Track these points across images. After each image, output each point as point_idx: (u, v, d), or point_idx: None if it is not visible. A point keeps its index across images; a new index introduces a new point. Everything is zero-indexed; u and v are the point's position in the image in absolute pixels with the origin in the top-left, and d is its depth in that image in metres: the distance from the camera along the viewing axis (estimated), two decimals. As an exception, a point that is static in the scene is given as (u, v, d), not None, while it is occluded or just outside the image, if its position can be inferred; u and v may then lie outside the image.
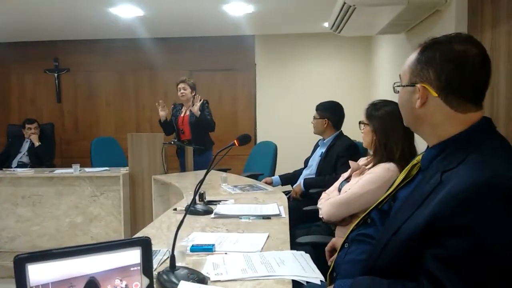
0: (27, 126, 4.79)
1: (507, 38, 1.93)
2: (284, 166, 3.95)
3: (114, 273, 0.89)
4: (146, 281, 0.92)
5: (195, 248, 1.50)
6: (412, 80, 1.06)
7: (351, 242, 1.40)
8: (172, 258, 1.23)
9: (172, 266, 1.23)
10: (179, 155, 4.20)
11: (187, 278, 1.18)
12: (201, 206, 2.13)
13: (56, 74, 6.07)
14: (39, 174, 3.95)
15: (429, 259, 0.90)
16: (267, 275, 1.25)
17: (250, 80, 5.96)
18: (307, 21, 5.07)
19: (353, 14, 2.79)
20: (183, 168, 4.06)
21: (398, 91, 1.13)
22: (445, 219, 0.88)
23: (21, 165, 4.67)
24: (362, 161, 2.09)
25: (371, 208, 1.33)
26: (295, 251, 1.46)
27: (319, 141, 3.33)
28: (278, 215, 2.01)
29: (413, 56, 1.06)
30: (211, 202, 2.27)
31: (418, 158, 1.16)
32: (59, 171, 4.04)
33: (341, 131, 3.21)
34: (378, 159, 1.87)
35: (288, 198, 2.67)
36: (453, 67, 0.98)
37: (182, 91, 4.08)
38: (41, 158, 4.71)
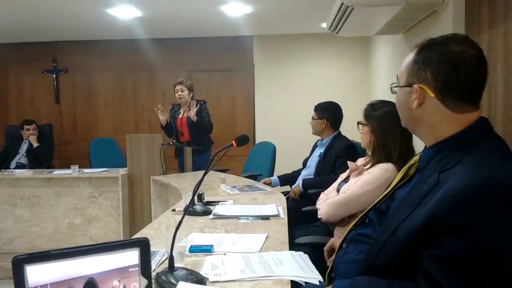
0: (25, 127, 4.78)
1: (504, 38, 1.94)
2: (282, 167, 3.96)
3: (112, 274, 0.89)
4: (144, 282, 0.92)
5: (194, 249, 1.50)
6: (409, 80, 1.06)
7: (349, 242, 1.41)
8: (171, 258, 1.24)
9: (171, 267, 1.23)
10: (178, 155, 4.20)
11: (186, 279, 1.19)
12: (199, 207, 2.13)
13: (54, 75, 6.07)
14: (38, 175, 3.94)
15: (427, 259, 0.91)
16: (265, 275, 1.26)
17: (248, 80, 5.96)
18: (305, 22, 5.08)
19: (351, 15, 2.79)
20: (181, 169, 4.06)
21: (396, 92, 1.13)
22: (442, 219, 0.88)
23: (20, 166, 4.66)
24: (360, 161, 2.10)
25: (368, 208, 1.34)
26: (293, 252, 1.47)
27: (317, 141, 3.33)
28: (277, 216, 2.01)
29: (410, 57, 1.07)
30: (209, 203, 2.27)
31: (416, 158, 1.17)
32: (57, 172, 4.04)
33: (340, 131, 3.22)
34: (377, 159, 1.88)
35: (287, 199, 2.67)
36: (450, 68, 0.99)
37: (179, 92, 4.08)
38: (40, 159, 4.71)
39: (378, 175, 1.82)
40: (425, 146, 1.11)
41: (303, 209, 2.63)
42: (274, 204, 2.22)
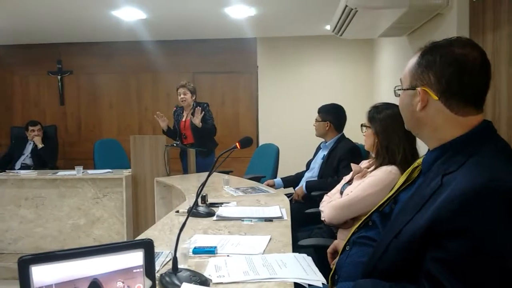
0: (30, 128, 4.80)
1: (508, 41, 1.94)
2: (286, 169, 3.96)
3: (117, 275, 0.89)
4: (148, 283, 0.92)
5: (197, 250, 1.50)
6: (412, 83, 1.06)
7: (353, 245, 1.41)
8: (175, 260, 1.24)
9: (175, 268, 1.23)
10: (182, 157, 4.21)
11: (190, 280, 1.19)
12: (203, 208, 2.13)
13: (59, 77, 6.10)
14: (42, 176, 3.96)
15: (430, 261, 0.91)
16: (269, 277, 1.26)
17: (252, 82, 5.97)
18: (309, 24, 5.08)
19: (355, 17, 2.80)
20: (185, 171, 4.07)
21: (399, 95, 1.13)
22: (445, 221, 0.88)
23: (24, 167, 4.69)
24: (364, 163, 2.10)
25: (372, 210, 1.34)
26: (297, 254, 1.47)
27: (321, 143, 3.33)
28: (280, 218, 2.01)
29: (413, 60, 1.07)
30: (213, 204, 2.28)
31: (419, 161, 1.17)
32: (62, 173, 4.06)
33: (343, 133, 3.22)
34: (380, 162, 1.88)
35: (290, 201, 2.67)
36: (453, 71, 0.99)
37: (182, 96, 4.09)
38: (44, 160, 4.73)
39: (382, 177, 1.82)
40: (429, 149, 1.11)
41: (307, 211, 2.62)
42: (278, 206, 2.23)
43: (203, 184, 1.42)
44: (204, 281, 1.22)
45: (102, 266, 0.88)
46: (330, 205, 1.97)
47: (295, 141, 5.36)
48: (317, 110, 3.27)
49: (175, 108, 4.33)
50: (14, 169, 4.54)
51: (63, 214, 3.92)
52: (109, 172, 4.09)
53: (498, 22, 2.02)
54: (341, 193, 2.05)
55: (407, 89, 1.08)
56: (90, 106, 6.14)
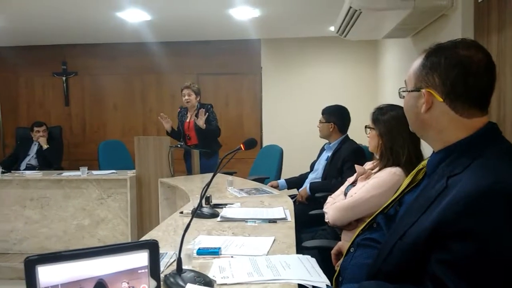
0: (35, 129, 4.83)
1: (513, 42, 1.93)
2: (290, 170, 3.96)
3: (122, 276, 0.90)
4: (153, 283, 0.93)
5: (202, 251, 1.50)
6: (417, 85, 1.06)
7: (357, 247, 1.41)
8: (179, 261, 1.25)
9: (179, 269, 1.24)
10: (186, 158, 4.22)
11: (194, 281, 1.19)
12: (207, 209, 2.14)
13: (64, 78, 6.13)
14: (47, 177, 3.99)
15: (434, 263, 0.91)
16: (273, 278, 1.26)
17: (256, 83, 5.98)
18: (313, 25, 5.08)
19: (359, 18, 2.79)
20: (189, 171, 4.08)
21: (404, 96, 1.13)
22: (449, 223, 0.88)
23: (30, 167, 4.71)
24: (368, 165, 2.10)
25: (376, 212, 1.34)
26: (301, 255, 1.47)
27: (325, 145, 3.33)
28: (284, 219, 2.01)
29: (418, 62, 1.07)
30: (217, 206, 2.28)
31: (424, 163, 1.17)
32: (67, 174, 4.08)
33: (347, 135, 3.21)
34: (384, 163, 1.88)
35: (294, 202, 2.67)
36: (458, 72, 0.99)
37: (186, 97, 4.10)
38: (49, 161, 4.75)
39: (386, 179, 1.82)
40: (433, 151, 1.11)
41: (310, 212, 2.62)
42: (281, 207, 2.23)
43: (208, 185, 1.42)
44: (208, 282, 1.22)
45: (107, 266, 0.88)
46: (334, 206, 1.97)
47: (299, 142, 5.36)
48: (321, 111, 3.27)
49: (179, 109, 4.34)
50: (19, 170, 4.57)
51: (67, 215, 3.94)
52: (114, 173, 4.10)
53: (503, 23, 2.01)
54: (345, 194, 2.05)
55: (412, 90, 1.08)
56: (94, 107, 6.17)
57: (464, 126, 1.01)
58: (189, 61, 5.95)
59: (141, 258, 0.92)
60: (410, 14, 2.60)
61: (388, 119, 1.88)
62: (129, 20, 4.64)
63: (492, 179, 0.88)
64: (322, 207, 2.20)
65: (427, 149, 1.38)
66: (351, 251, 1.42)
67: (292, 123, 5.78)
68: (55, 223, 3.95)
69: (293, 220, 2.01)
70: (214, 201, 2.33)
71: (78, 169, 4.04)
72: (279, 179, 3.73)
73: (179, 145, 3.97)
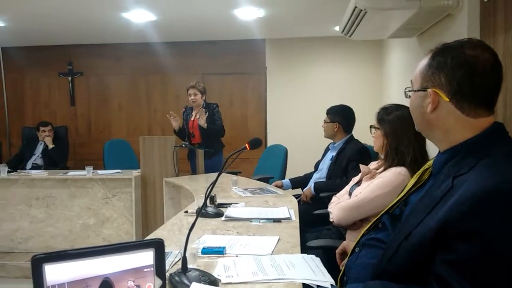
0: (41, 128, 4.86)
1: (520, 42, 1.92)
2: (294, 170, 3.96)
3: (128, 274, 0.90)
4: (159, 282, 0.93)
5: (206, 251, 1.51)
6: (423, 85, 1.06)
7: (362, 247, 1.40)
8: (184, 260, 1.25)
9: (184, 268, 1.24)
10: (190, 158, 4.23)
11: (199, 280, 1.20)
12: (212, 209, 2.14)
13: (69, 78, 6.17)
14: (53, 176, 4.01)
15: (440, 263, 0.90)
16: (277, 278, 1.26)
17: (260, 83, 5.98)
18: (318, 25, 5.08)
19: (364, 18, 2.79)
20: (194, 171, 4.09)
21: (410, 96, 1.13)
22: (455, 224, 0.88)
23: (35, 167, 4.74)
24: (373, 165, 2.09)
25: (382, 212, 1.33)
26: (305, 255, 1.46)
27: (329, 144, 3.33)
28: (289, 219, 2.01)
29: (424, 61, 1.07)
30: (221, 205, 2.29)
31: (430, 163, 1.17)
32: (72, 173, 4.10)
33: (352, 135, 3.21)
34: (389, 163, 1.87)
35: (298, 202, 2.67)
36: (464, 72, 0.99)
37: (192, 97, 4.12)
38: (55, 160, 4.78)
39: (391, 179, 1.82)
40: (439, 151, 1.10)
41: (315, 212, 2.62)
42: (286, 207, 2.23)
43: (213, 184, 1.42)
44: (213, 281, 1.22)
45: (113, 265, 0.89)
46: (339, 206, 1.97)
47: (304, 142, 5.36)
48: (326, 111, 3.27)
49: (184, 109, 4.35)
50: (25, 169, 4.60)
51: (73, 214, 3.96)
52: (119, 172, 4.12)
53: (510, 23, 2.00)
54: (350, 194, 2.04)
55: (418, 90, 1.08)
56: (100, 107, 6.20)
57: (470, 126, 1.01)
58: (194, 61, 5.96)
59: (146, 257, 0.92)
60: (416, 14, 2.59)
61: (393, 119, 1.87)
62: (134, 20, 4.66)
63: (498, 179, 0.88)
64: (326, 207, 2.19)
65: (432, 149, 1.38)
66: (356, 251, 1.41)
67: (296, 123, 5.77)
68: (60, 222, 3.97)
69: (298, 220, 2.01)
70: (218, 200, 2.33)
71: (84, 169, 4.07)
72: (284, 178, 3.73)
73: (183, 145, 3.98)
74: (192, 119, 4.19)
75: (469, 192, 0.88)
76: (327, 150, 3.37)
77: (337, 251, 1.66)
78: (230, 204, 2.35)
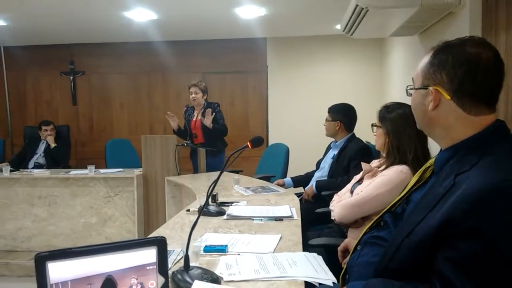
0: (43, 128, 4.87)
1: (522, 40, 1.92)
2: (296, 168, 3.96)
3: (130, 272, 0.91)
4: (161, 280, 0.94)
5: (208, 249, 1.51)
6: (424, 83, 1.06)
7: (364, 245, 1.41)
8: (186, 258, 1.25)
9: (186, 266, 1.25)
10: (193, 157, 4.23)
11: (201, 278, 1.20)
12: (213, 207, 2.15)
13: (71, 77, 6.18)
14: (55, 175, 4.02)
15: (441, 261, 0.91)
16: (279, 276, 1.26)
17: (262, 82, 5.98)
18: (319, 24, 5.07)
19: (366, 17, 2.79)
20: (196, 170, 4.10)
21: (411, 94, 1.13)
22: (456, 221, 0.88)
23: (37, 166, 4.76)
24: (374, 163, 2.09)
25: (384, 210, 1.34)
26: (307, 253, 1.47)
27: (331, 143, 3.33)
28: (290, 217, 2.02)
29: (425, 59, 1.07)
30: (223, 204, 2.29)
31: (431, 161, 1.17)
32: (74, 172, 4.11)
33: (354, 133, 3.21)
34: (391, 161, 1.87)
35: (300, 200, 2.67)
36: (465, 70, 0.99)
37: (193, 95, 4.11)
38: (57, 159, 4.80)
39: (392, 177, 1.82)
40: (441, 149, 1.10)
41: (317, 210, 2.62)
42: (288, 206, 2.23)
43: (215, 183, 1.43)
44: (215, 279, 1.23)
45: (116, 263, 0.89)
46: (341, 204, 1.97)
47: (305, 140, 5.36)
48: (327, 109, 3.26)
49: (185, 108, 4.35)
50: (28, 168, 4.61)
51: (75, 213, 3.98)
52: (121, 171, 4.13)
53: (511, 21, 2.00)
54: (352, 192, 2.05)
55: (419, 88, 1.08)
56: (101, 106, 6.21)
57: (472, 123, 1.01)
58: (195, 60, 5.97)
59: (149, 255, 0.92)
60: (417, 12, 2.59)
61: (395, 117, 1.87)
62: (135, 19, 4.66)
63: (500, 177, 0.88)
64: (328, 205, 2.20)
65: (434, 147, 1.38)
66: (358, 249, 1.42)
67: (298, 122, 5.77)
68: (62, 221, 3.98)
69: (299, 218, 2.01)
70: (220, 199, 2.34)
71: (86, 168, 4.08)
72: (285, 177, 3.73)
73: (185, 144, 3.99)
74: (194, 119, 4.19)
75: (471, 190, 0.89)
76: (328, 148, 3.37)
77: (339, 249, 1.66)
78: (232, 202, 2.35)
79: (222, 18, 4.74)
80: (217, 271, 1.30)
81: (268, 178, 3.69)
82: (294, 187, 3.50)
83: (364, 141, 3.26)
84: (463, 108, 1.01)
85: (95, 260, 0.87)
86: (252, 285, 1.23)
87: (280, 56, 5.90)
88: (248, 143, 1.69)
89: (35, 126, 5.17)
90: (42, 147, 4.89)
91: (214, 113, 4.00)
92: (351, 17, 2.97)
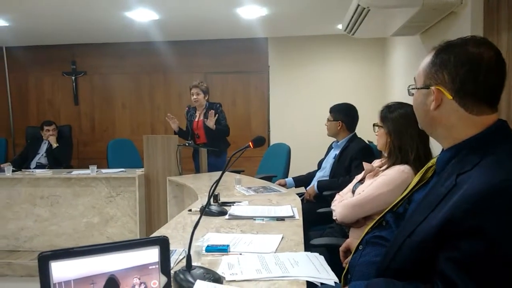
0: (45, 128, 4.88)
1: (524, 39, 1.91)
2: (297, 168, 3.96)
3: (133, 271, 0.91)
4: (164, 279, 0.94)
5: (210, 249, 1.52)
6: (426, 82, 1.06)
7: (366, 244, 1.41)
8: (189, 257, 1.26)
9: (189, 266, 1.25)
10: (195, 157, 4.24)
11: (203, 278, 1.20)
12: (215, 207, 2.15)
13: (73, 77, 6.19)
14: (57, 175, 4.03)
15: (443, 261, 0.91)
16: (281, 275, 1.27)
17: (263, 82, 5.98)
18: (320, 23, 5.07)
19: (367, 16, 2.78)
20: (198, 170, 4.10)
21: (413, 94, 1.13)
22: (458, 221, 0.88)
23: (40, 166, 4.77)
24: (376, 163, 2.09)
25: (386, 210, 1.34)
26: (309, 253, 1.47)
27: (332, 143, 3.32)
28: (292, 217, 2.02)
29: (427, 59, 1.07)
30: (225, 204, 2.29)
31: (433, 161, 1.17)
32: (76, 172, 4.12)
33: (355, 133, 3.21)
34: (393, 161, 1.87)
35: (302, 200, 2.67)
36: (467, 70, 0.99)
37: (195, 96, 4.12)
38: (59, 159, 4.81)
39: (394, 176, 1.82)
40: (443, 149, 1.10)
41: (318, 210, 2.62)
42: (289, 206, 2.23)
43: (217, 183, 1.43)
44: (217, 278, 1.23)
45: (119, 262, 0.90)
46: (342, 204, 1.97)
47: (307, 140, 5.36)
48: (329, 109, 3.26)
49: (187, 108, 4.35)
50: (30, 168, 4.62)
51: (77, 213, 3.99)
52: (123, 171, 4.14)
53: (513, 20, 2.00)
54: (353, 192, 2.05)
55: (421, 88, 1.08)
56: (103, 106, 6.22)
57: (474, 123, 1.01)
58: (197, 60, 5.97)
59: (152, 254, 0.93)
60: (419, 12, 2.59)
61: (397, 117, 1.87)
62: (137, 19, 4.67)
63: (502, 176, 0.88)
64: (329, 205, 2.20)
65: (436, 147, 1.38)
66: (360, 248, 1.42)
67: (299, 121, 5.77)
68: (64, 221, 3.99)
69: (301, 218, 2.01)
70: (222, 199, 2.34)
71: (88, 168, 4.09)
72: (287, 177, 3.73)
73: (187, 144, 3.99)
74: (196, 119, 4.19)
75: (473, 190, 0.89)
76: (330, 148, 3.37)
77: (341, 249, 1.66)
78: (234, 202, 2.36)
79: (223, 18, 4.74)
80: (219, 271, 1.31)
81: (269, 178, 3.69)
82: (295, 187, 3.50)
83: (366, 141, 3.26)
84: (465, 107, 1.01)
85: (98, 259, 0.88)
86: (254, 285, 1.23)
87: (282, 56, 5.90)
88: (250, 143, 1.70)
89: (37, 126, 5.18)
90: (44, 147, 4.90)
91: (217, 115, 4.01)
92: (352, 16, 2.97)
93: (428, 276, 0.95)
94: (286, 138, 4.78)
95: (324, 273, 1.29)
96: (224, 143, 4.21)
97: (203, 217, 1.70)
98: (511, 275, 0.84)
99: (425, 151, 1.81)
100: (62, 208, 3.99)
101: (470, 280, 0.86)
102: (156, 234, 1.82)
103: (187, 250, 1.27)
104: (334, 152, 3.22)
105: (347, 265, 1.46)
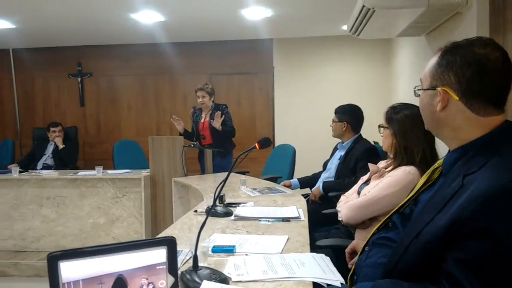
0: (51, 129, 4.92)
1: (530, 40, 1.91)
2: (302, 169, 3.96)
3: (141, 271, 0.92)
4: (171, 279, 0.95)
5: (217, 249, 1.52)
6: (432, 83, 1.06)
7: (372, 246, 1.41)
8: (195, 258, 1.26)
9: (195, 266, 1.26)
10: (200, 158, 4.25)
11: (210, 278, 1.21)
12: (221, 208, 2.15)
13: (79, 79, 6.23)
14: (63, 176, 4.05)
15: (450, 262, 0.91)
16: (287, 276, 1.27)
17: (268, 83, 5.98)
18: (325, 24, 5.07)
19: (372, 17, 2.78)
20: (203, 171, 4.11)
21: (419, 95, 1.13)
22: (466, 222, 0.88)
23: (46, 167, 4.80)
24: (381, 164, 2.09)
25: (392, 211, 1.34)
26: (315, 254, 1.47)
27: (338, 144, 3.32)
28: (298, 218, 2.02)
29: (433, 60, 1.07)
30: (230, 204, 2.30)
31: (440, 162, 1.17)
32: (82, 173, 4.14)
33: (360, 134, 3.20)
34: (399, 162, 1.87)
35: (307, 201, 2.68)
36: (473, 71, 0.99)
37: (201, 99, 4.14)
38: (65, 160, 4.84)
39: (400, 178, 1.81)
40: (449, 150, 1.10)
41: (324, 211, 2.62)
42: (295, 207, 2.23)
43: (223, 184, 1.44)
44: (223, 279, 1.24)
45: (127, 262, 0.90)
46: (348, 205, 1.97)
47: (312, 141, 5.35)
48: (334, 110, 3.26)
49: (192, 109, 4.37)
50: (36, 169, 4.65)
51: (83, 213, 4.01)
52: (128, 172, 4.16)
53: (520, 20, 1.99)
54: (359, 193, 2.04)
55: (427, 89, 1.08)
56: (109, 107, 6.25)
57: (480, 124, 1.01)
58: (202, 61, 5.99)
59: (159, 255, 0.94)
60: (424, 12, 2.58)
61: (402, 118, 1.87)
62: (142, 21, 4.69)
63: (509, 177, 0.88)
64: (335, 207, 2.20)
65: (442, 148, 1.38)
66: (366, 250, 1.42)
67: (304, 122, 5.77)
68: (71, 221, 4.01)
69: (307, 219, 2.01)
70: (227, 200, 2.34)
71: (94, 169, 4.11)
72: (292, 178, 3.73)
73: (192, 145, 4.00)
74: (202, 120, 4.21)
75: (480, 191, 0.89)
76: (335, 149, 3.37)
77: (347, 250, 1.66)
78: (239, 203, 2.36)
79: (228, 19, 4.75)
80: (225, 271, 1.31)
81: (274, 179, 3.69)
82: (300, 188, 3.50)
83: (372, 142, 3.26)
84: (471, 108, 1.01)
85: (106, 259, 0.89)
86: (260, 286, 1.23)
87: (287, 57, 5.90)
88: (256, 144, 1.70)
89: (43, 128, 5.22)
90: (50, 148, 4.93)
91: (223, 116, 4.02)
92: (357, 17, 2.97)
93: (434, 277, 0.95)
94: (291, 139, 4.78)
95: (330, 274, 1.29)
96: (230, 144, 4.22)
97: (209, 218, 1.71)
98: None
99: (431, 152, 1.81)
100: (68, 209, 4.01)
101: (476, 281, 0.86)
102: (162, 234, 1.83)
103: (193, 250, 1.27)
104: (339, 153, 3.22)
105: (353, 266, 1.46)
